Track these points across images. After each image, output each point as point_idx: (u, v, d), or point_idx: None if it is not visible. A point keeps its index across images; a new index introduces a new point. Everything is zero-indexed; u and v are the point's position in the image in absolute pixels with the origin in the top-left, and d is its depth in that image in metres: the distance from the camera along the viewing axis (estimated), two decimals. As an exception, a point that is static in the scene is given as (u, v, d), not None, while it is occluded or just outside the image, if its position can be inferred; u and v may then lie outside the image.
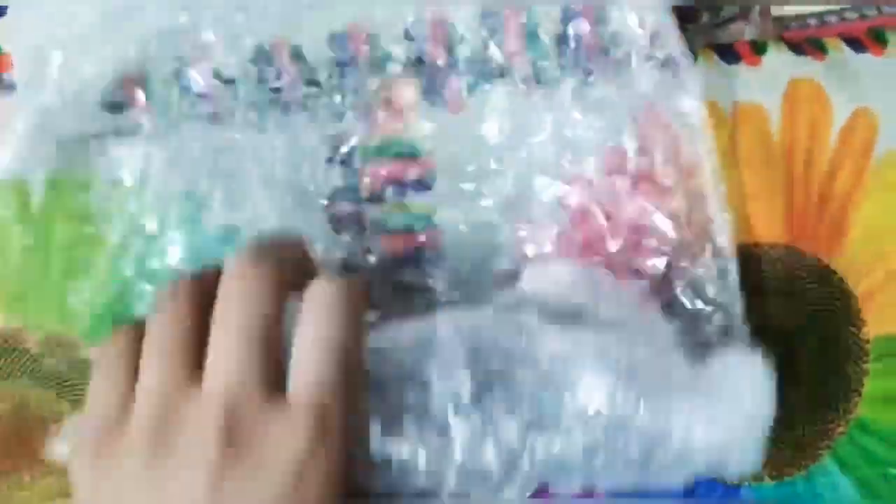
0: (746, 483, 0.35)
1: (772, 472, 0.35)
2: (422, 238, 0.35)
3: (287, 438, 0.24)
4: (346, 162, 0.36)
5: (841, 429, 0.35)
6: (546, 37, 0.36)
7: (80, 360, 0.35)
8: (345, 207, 0.35)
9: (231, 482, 0.23)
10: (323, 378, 0.25)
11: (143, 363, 0.25)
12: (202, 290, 0.26)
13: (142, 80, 0.35)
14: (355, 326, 0.26)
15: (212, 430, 0.24)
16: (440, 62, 0.36)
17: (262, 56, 0.35)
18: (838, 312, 0.36)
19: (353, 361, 0.26)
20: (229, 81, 0.35)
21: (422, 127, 0.36)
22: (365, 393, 0.27)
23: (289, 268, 0.27)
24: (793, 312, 0.36)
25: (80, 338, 0.35)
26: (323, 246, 0.35)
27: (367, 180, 0.36)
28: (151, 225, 0.34)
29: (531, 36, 0.36)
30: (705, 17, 0.46)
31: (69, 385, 0.35)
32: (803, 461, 0.35)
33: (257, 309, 0.25)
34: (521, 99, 0.36)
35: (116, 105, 0.35)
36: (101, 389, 0.26)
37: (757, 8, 0.44)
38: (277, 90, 0.35)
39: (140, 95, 0.35)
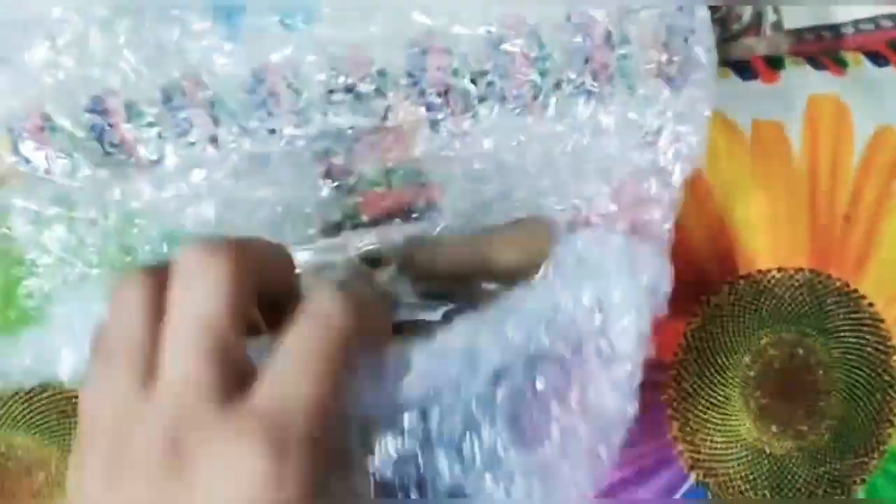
0: (776, 522, 0.33)
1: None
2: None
3: (233, 456, 0.20)
4: (342, 187, 0.34)
5: (875, 462, 0.33)
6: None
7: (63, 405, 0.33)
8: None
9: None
10: (291, 390, 0.21)
11: (91, 370, 0.23)
12: (158, 284, 0.23)
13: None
14: (352, 354, 0.23)
15: (157, 442, 0.21)
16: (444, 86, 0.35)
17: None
18: (867, 339, 0.34)
19: (340, 391, 0.22)
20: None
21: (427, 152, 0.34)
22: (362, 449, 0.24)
23: (254, 265, 0.23)
24: (819, 340, 0.34)
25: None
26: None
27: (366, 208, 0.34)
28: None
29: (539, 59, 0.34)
30: (715, 32, 0.44)
31: (56, 430, 0.33)
32: (835, 497, 0.33)
33: (211, 304, 0.22)
34: (526, 119, 0.34)
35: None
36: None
37: (769, 21, 0.43)
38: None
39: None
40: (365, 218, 0.35)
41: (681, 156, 0.30)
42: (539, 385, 0.28)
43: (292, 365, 0.22)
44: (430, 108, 0.35)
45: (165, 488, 0.21)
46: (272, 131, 0.32)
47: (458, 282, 0.33)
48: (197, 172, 0.32)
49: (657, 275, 0.31)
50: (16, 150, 0.32)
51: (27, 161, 0.32)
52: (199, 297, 0.22)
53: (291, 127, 0.32)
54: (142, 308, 0.22)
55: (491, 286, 0.34)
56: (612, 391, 0.30)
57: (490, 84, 0.34)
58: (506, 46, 0.34)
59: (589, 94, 0.33)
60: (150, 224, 0.33)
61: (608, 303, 0.30)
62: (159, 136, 0.32)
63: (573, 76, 0.33)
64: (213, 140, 0.32)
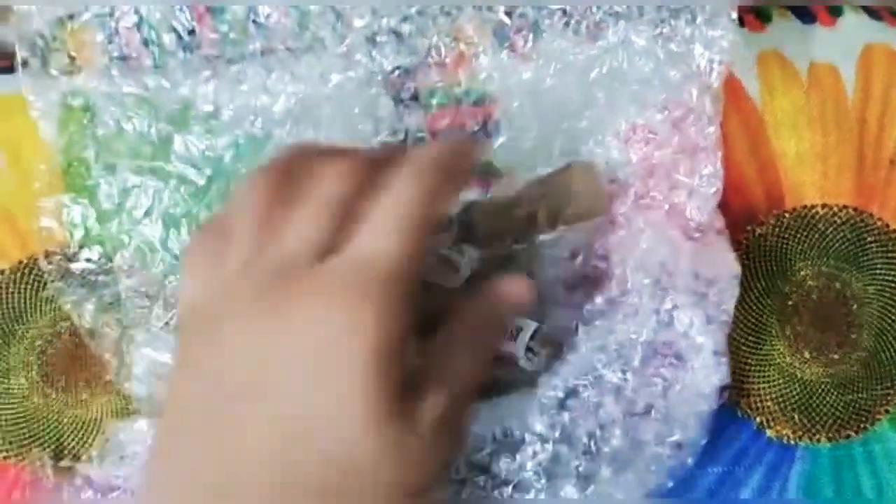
0: (803, 444, 0.35)
1: (828, 433, 0.35)
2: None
3: (320, 306, 0.22)
4: (409, 105, 0.35)
5: (900, 394, 0.35)
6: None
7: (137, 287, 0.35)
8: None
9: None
10: (381, 245, 0.23)
11: (292, 212, 0.24)
12: (367, 163, 0.25)
13: (212, 10, 0.35)
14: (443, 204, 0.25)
15: (258, 293, 0.23)
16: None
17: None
18: (903, 278, 0.35)
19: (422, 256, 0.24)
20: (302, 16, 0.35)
21: (488, 73, 0.36)
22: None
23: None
24: (856, 276, 0.35)
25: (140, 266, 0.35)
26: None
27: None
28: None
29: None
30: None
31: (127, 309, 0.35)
32: (860, 424, 0.35)
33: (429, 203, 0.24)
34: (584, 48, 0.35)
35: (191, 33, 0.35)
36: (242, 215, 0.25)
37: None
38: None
39: (211, 26, 0.35)
40: (427, 135, 0.36)
41: (715, 60, 0.32)
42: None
43: (383, 222, 0.23)
44: (468, 42, 0.35)
45: (260, 333, 0.22)
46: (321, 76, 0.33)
47: (518, 236, 0.34)
48: (251, 120, 0.33)
49: (725, 288, 0.33)
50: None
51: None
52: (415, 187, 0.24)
53: (339, 71, 0.33)
54: (267, 192, 0.24)
55: (549, 235, 0.35)
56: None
57: (522, 16, 0.35)
58: None
59: (618, 15, 0.34)
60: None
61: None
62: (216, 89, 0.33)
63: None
64: (265, 88, 0.33)
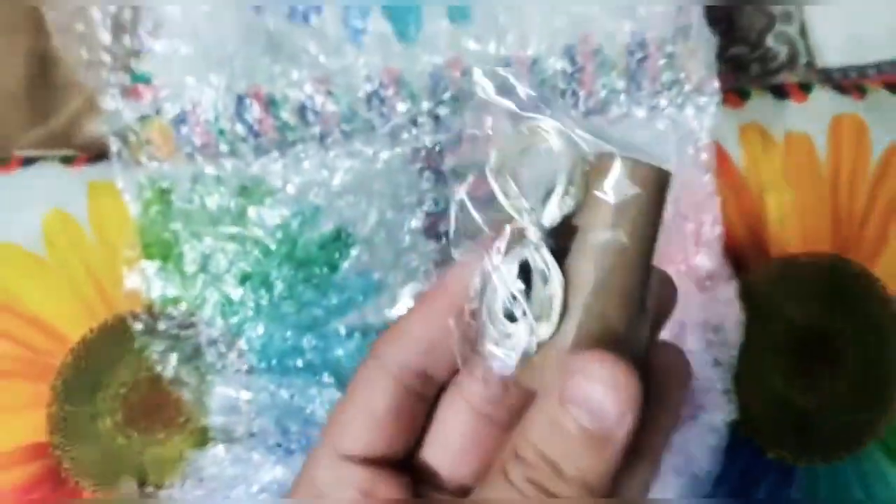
0: (801, 464, 0.39)
1: (823, 455, 0.39)
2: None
3: None
4: (448, 178, 0.41)
5: (886, 419, 0.39)
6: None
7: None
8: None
9: None
10: None
11: None
12: None
13: (272, 103, 0.42)
14: None
15: None
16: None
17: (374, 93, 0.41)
18: (880, 315, 0.40)
19: None
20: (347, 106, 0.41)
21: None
22: None
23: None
24: (839, 314, 0.40)
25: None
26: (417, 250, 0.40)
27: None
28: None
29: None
30: (756, 68, 0.52)
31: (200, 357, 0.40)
32: (852, 447, 0.39)
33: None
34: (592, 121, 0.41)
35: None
36: None
37: (803, 59, 0.50)
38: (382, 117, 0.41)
39: (271, 115, 0.42)
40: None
41: (704, 120, 0.38)
42: None
43: None
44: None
45: None
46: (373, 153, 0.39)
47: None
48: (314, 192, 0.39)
49: (730, 333, 0.39)
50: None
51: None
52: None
53: (387, 148, 0.40)
54: None
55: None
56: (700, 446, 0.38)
57: (539, 95, 0.41)
58: (549, 63, 0.41)
59: (619, 91, 0.40)
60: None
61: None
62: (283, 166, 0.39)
63: (606, 81, 0.40)
64: (324, 165, 0.39)
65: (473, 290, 0.22)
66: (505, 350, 0.21)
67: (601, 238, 0.20)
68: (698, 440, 0.39)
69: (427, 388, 0.23)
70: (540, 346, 0.20)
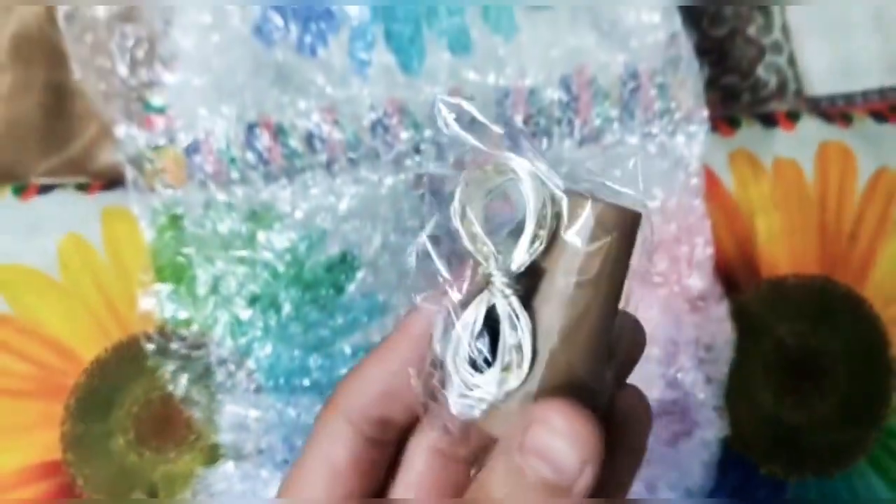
0: (792, 479, 0.40)
1: (814, 470, 0.40)
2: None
3: None
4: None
5: (874, 436, 0.41)
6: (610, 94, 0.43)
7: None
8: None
9: None
10: None
11: None
12: None
13: (280, 132, 0.43)
14: None
15: None
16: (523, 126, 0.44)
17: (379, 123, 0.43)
18: (867, 334, 0.41)
19: None
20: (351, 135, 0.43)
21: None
22: None
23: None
24: (828, 333, 0.42)
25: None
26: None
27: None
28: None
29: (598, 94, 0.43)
30: (747, 96, 0.53)
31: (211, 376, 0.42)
32: (841, 463, 0.40)
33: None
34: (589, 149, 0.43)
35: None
36: None
37: (792, 87, 0.52)
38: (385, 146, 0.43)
39: (280, 144, 0.43)
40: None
41: (694, 147, 0.40)
42: None
43: None
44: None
45: None
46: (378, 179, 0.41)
47: None
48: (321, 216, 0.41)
49: (721, 351, 0.40)
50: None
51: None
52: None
53: (391, 174, 0.41)
54: None
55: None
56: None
57: (537, 123, 0.42)
58: (546, 93, 0.42)
59: (613, 120, 0.42)
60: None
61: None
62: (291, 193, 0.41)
63: (600, 111, 0.42)
64: (331, 191, 0.41)
65: (436, 337, 0.21)
66: (470, 401, 0.20)
67: (569, 283, 0.20)
68: (692, 455, 0.41)
69: (387, 433, 0.23)
70: (507, 395, 0.20)
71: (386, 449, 0.23)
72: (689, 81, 0.40)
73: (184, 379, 0.40)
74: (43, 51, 0.47)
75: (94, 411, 0.42)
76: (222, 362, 0.40)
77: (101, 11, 0.41)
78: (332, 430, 0.23)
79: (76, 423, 0.42)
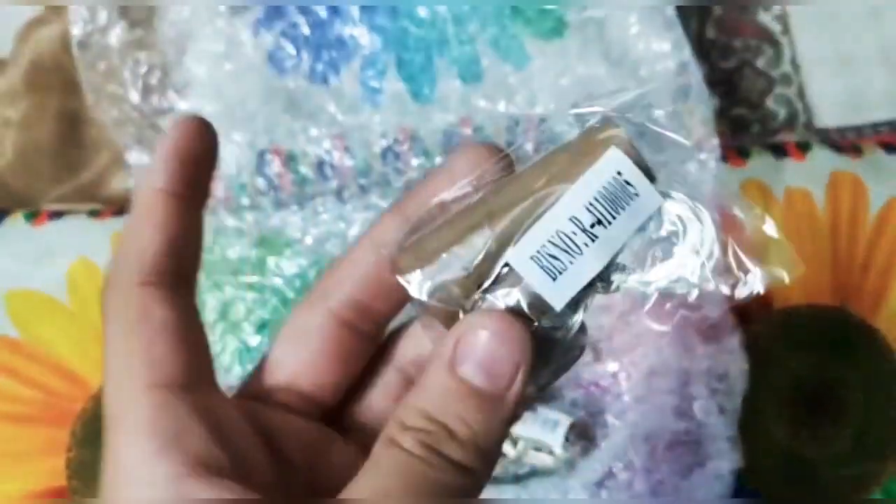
0: (806, 513, 0.39)
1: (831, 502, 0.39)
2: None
3: None
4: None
5: (890, 467, 0.40)
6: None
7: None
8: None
9: None
10: None
11: None
12: None
13: (291, 159, 0.43)
14: None
15: None
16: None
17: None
18: (881, 365, 0.41)
19: None
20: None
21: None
22: None
23: None
24: (841, 365, 0.41)
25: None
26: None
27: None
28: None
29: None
30: (757, 127, 0.54)
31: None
32: (857, 494, 0.40)
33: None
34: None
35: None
36: None
37: (802, 119, 0.52)
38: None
39: (290, 171, 0.43)
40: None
41: (706, 173, 0.40)
42: None
43: None
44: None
45: None
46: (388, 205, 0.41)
47: None
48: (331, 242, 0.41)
49: (735, 382, 0.40)
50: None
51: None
52: None
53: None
54: None
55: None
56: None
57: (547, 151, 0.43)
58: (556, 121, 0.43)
59: None
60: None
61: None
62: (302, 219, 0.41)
63: None
64: (341, 217, 0.41)
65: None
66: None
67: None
68: (704, 487, 0.40)
69: (366, 323, 0.23)
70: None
71: (364, 340, 0.23)
72: (698, 110, 0.41)
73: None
74: (57, 79, 0.48)
75: (100, 438, 0.41)
76: (229, 390, 0.39)
77: (114, 39, 0.42)
78: (309, 316, 0.22)
79: (82, 450, 0.41)
